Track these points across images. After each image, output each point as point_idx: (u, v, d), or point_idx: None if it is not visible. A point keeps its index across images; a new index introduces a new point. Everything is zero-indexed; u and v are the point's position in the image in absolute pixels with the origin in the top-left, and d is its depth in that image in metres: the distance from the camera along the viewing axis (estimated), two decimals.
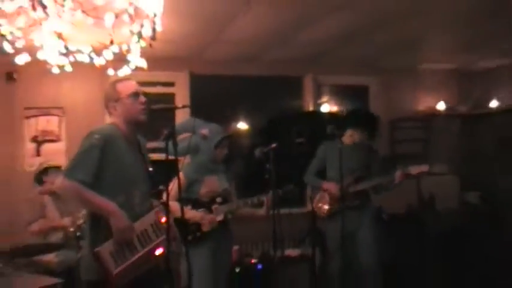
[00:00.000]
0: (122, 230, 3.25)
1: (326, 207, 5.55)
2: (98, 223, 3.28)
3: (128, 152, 3.45)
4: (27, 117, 6.51)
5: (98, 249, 3.18)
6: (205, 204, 4.70)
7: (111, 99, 3.48)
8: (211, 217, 4.66)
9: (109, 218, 3.23)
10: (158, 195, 3.64)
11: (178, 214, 3.64)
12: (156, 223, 3.52)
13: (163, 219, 3.51)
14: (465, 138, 7.97)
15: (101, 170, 3.29)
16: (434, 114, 7.91)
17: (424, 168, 5.13)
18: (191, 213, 4.58)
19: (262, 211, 4.81)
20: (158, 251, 3.47)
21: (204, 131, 4.74)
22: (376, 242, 5.46)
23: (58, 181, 3.28)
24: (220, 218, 4.70)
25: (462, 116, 8.03)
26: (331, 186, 5.46)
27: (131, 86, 3.50)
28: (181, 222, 4.08)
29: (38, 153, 6.49)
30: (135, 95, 3.47)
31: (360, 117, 5.57)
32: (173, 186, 3.64)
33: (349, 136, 5.51)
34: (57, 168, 5.40)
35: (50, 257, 4.98)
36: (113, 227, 3.23)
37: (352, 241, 5.40)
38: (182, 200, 3.52)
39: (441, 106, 7.86)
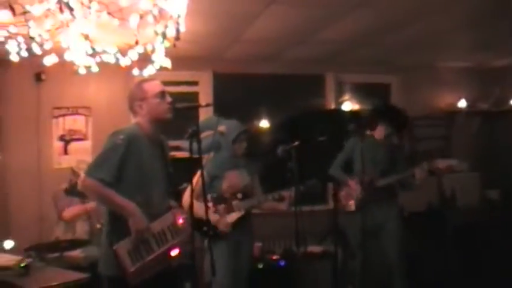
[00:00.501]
0: (140, 230, 3.32)
1: (352, 202, 5.57)
2: (116, 220, 3.36)
3: (149, 152, 3.51)
4: (55, 117, 6.65)
5: (116, 247, 3.27)
6: (227, 200, 4.75)
7: (137, 98, 3.53)
8: (224, 221, 4.71)
9: (128, 218, 3.31)
10: (177, 195, 3.72)
11: (199, 213, 3.71)
12: (173, 224, 3.58)
13: (181, 221, 3.59)
14: (486, 135, 7.93)
15: (122, 170, 3.35)
16: (455, 111, 7.88)
17: (452, 163, 5.14)
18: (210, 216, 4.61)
19: (283, 205, 4.84)
20: (174, 252, 3.53)
21: (222, 127, 4.78)
22: (402, 237, 5.45)
23: (80, 179, 3.36)
24: (239, 214, 4.75)
25: (483, 113, 7.99)
26: (355, 183, 5.51)
27: (157, 86, 3.55)
28: (202, 219, 4.16)
29: (66, 152, 6.63)
30: (162, 94, 3.52)
31: (391, 113, 5.58)
32: (197, 183, 3.71)
33: (379, 131, 5.52)
34: None
35: (76, 253, 5.10)
36: (132, 227, 3.31)
37: (377, 236, 5.42)
38: (206, 196, 3.57)
39: (462, 104, 7.83)
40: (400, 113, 5.58)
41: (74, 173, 5.59)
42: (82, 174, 3.41)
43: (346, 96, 7.53)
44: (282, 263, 6.19)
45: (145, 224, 3.36)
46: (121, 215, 3.33)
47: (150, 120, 3.54)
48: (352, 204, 5.53)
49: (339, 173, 5.72)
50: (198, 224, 4.39)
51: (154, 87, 3.55)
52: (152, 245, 3.42)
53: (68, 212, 5.54)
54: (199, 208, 3.69)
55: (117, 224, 3.35)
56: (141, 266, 3.33)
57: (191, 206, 3.38)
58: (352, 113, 7.21)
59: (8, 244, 5.63)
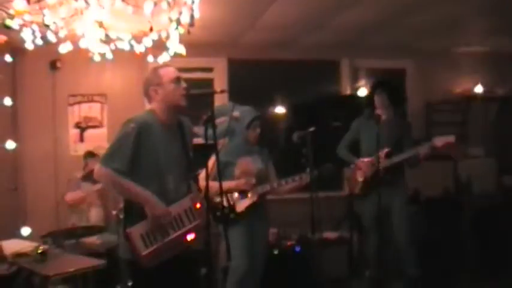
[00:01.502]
0: (158, 216, 3.34)
1: (359, 184, 5.56)
2: (131, 206, 3.40)
3: (163, 138, 3.50)
4: (71, 104, 6.68)
5: (129, 230, 3.30)
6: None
7: (152, 83, 3.53)
8: (240, 204, 4.72)
9: (144, 206, 3.33)
10: (195, 180, 3.72)
11: (215, 190, 3.72)
12: (191, 208, 3.58)
13: (198, 205, 3.58)
14: (503, 121, 7.86)
15: (136, 158, 3.36)
16: (472, 97, 7.81)
17: (450, 139, 5.04)
18: (227, 184, 4.59)
19: (303, 180, 4.78)
20: (190, 236, 3.52)
21: (236, 113, 4.77)
22: (409, 217, 5.46)
23: (95, 169, 3.38)
24: (253, 200, 4.74)
25: (500, 98, 7.92)
26: (363, 164, 5.50)
27: (173, 72, 3.55)
28: (216, 205, 4.17)
29: (81, 139, 6.67)
30: (177, 80, 3.52)
31: (379, 85, 5.59)
32: (212, 168, 3.71)
33: (379, 109, 5.49)
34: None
35: (93, 239, 5.14)
36: (149, 214, 3.32)
37: (387, 217, 5.42)
38: (221, 180, 3.57)
39: (478, 89, 7.76)
40: (393, 87, 5.57)
41: (93, 155, 5.65)
42: (97, 165, 3.41)
43: (362, 82, 7.49)
44: (298, 249, 6.20)
45: (163, 210, 3.37)
46: (137, 202, 3.36)
47: (165, 106, 3.53)
48: (359, 187, 5.52)
49: (345, 153, 5.74)
50: (213, 209, 4.43)
51: (170, 73, 3.54)
52: (167, 229, 3.43)
53: (68, 196, 5.68)
54: (214, 185, 3.69)
55: (132, 210, 3.39)
56: (155, 249, 3.34)
57: (206, 191, 3.39)
58: (367, 98, 7.17)
59: (25, 231, 5.69)
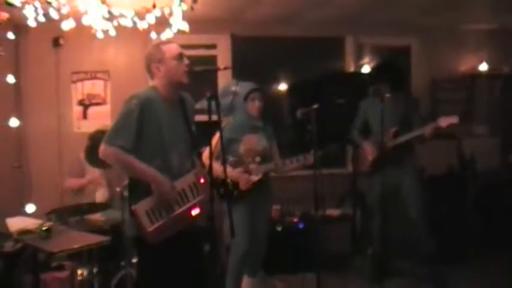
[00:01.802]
0: (165, 193, 3.37)
1: (367, 163, 5.60)
2: (136, 183, 3.42)
3: (166, 115, 3.50)
4: (74, 82, 6.66)
5: (134, 207, 3.32)
6: (245, 164, 4.76)
7: (154, 59, 3.52)
8: (247, 177, 4.73)
9: (150, 183, 3.35)
10: (199, 156, 3.73)
11: (219, 173, 3.72)
12: (195, 183, 3.60)
13: (202, 181, 3.60)
14: (507, 99, 7.82)
15: (140, 134, 3.37)
16: (476, 74, 7.77)
17: (454, 119, 5.03)
18: (228, 173, 4.62)
19: (308, 160, 4.80)
20: (194, 211, 3.55)
21: (235, 87, 4.76)
22: (421, 195, 5.48)
23: (100, 148, 3.38)
24: (258, 177, 4.75)
25: (505, 76, 7.87)
26: (369, 145, 5.55)
27: (175, 48, 3.53)
28: (220, 181, 4.18)
29: (85, 116, 6.66)
30: (180, 56, 3.51)
31: (383, 71, 5.59)
32: (216, 145, 3.72)
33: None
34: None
35: (97, 216, 5.16)
36: (155, 192, 3.35)
37: (396, 195, 5.47)
38: (225, 157, 3.57)
39: (483, 66, 7.71)
40: (391, 69, 5.56)
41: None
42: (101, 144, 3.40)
43: (366, 59, 7.45)
44: (301, 225, 6.22)
45: (169, 187, 3.40)
46: (143, 179, 3.37)
47: (167, 83, 3.53)
48: (368, 166, 5.57)
49: (356, 137, 5.81)
50: (217, 185, 4.44)
51: (173, 49, 3.53)
52: (172, 204, 3.45)
53: (68, 183, 5.72)
54: (218, 169, 3.69)
55: (137, 187, 3.40)
56: (160, 225, 3.37)
57: (210, 167, 3.39)
58: (370, 76, 7.15)
59: (30, 208, 5.72)
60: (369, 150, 5.56)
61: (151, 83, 3.61)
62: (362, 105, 5.76)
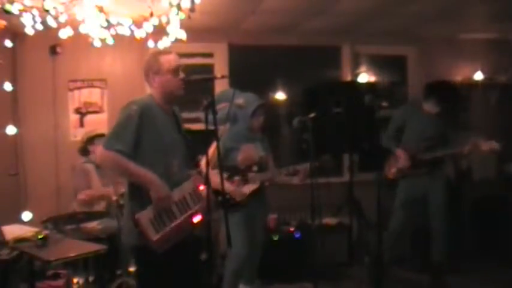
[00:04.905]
0: (161, 198, 3.36)
1: (394, 170, 5.66)
2: (137, 191, 3.41)
3: (164, 122, 3.54)
4: (71, 90, 6.66)
5: (138, 216, 3.31)
6: (242, 172, 4.77)
7: (151, 69, 3.54)
8: (241, 191, 4.73)
9: (148, 187, 3.34)
10: (196, 165, 3.74)
11: (215, 184, 3.73)
12: (195, 191, 3.63)
13: (202, 187, 3.61)
14: (503, 108, 7.83)
15: (140, 140, 3.38)
16: (472, 84, 7.79)
17: (494, 145, 5.20)
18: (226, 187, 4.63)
19: (296, 180, 4.88)
20: (196, 218, 3.57)
21: (240, 100, 4.78)
22: (445, 208, 5.59)
23: (98, 152, 3.38)
24: (254, 186, 4.76)
25: (501, 85, 7.89)
26: (402, 154, 5.61)
27: (173, 61, 3.55)
28: (217, 190, 4.19)
29: (82, 124, 6.65)
30: (176, 70, 3.53)
31: (444, 92, 5.68)
32: (213, 153, 3.72)
33: (430, 106, 5.58)
34: (103, 136, 5.48)
35: (93, 225, 5.14)
36: (152, 196, 3.34)
37: (419, 205, 5.63)
38: (222, 168, 3.59)
39: (479, 76, 7.74)
40: (451, 89, 5.66)
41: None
42: (99, 148, 3.41)
43: (363, 68, 7.47)
44: (298, 234, 6.21)
45: (166, 193, 3.40)
46: (141, 185, 3.37)
47: (162, 93, 3.56)
48: (393, 172, 5.62)
49: (388, 142, 5.83)
50: (214, 194, 4.45)
51: (170, 62, 3.54)
52: (174, 212, 3.47)
53: (83, 195, 5.47)
54: (214, 180, 3.70)
55: (138, 195, 3.40)
56: (165, 233, 3.37)
57: (207, 176, 3.40)
58: (369, 85, 7.17)
59: (26, 216, 5.70)
60: (402, 157, 5.59)
61: (150, 90, 3.63)
62: (399, 112, 5.82)
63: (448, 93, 5.65)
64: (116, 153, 3.30)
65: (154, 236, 3.32)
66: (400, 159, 5.62)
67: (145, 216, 3.32)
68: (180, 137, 3.66)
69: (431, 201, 5.60)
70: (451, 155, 5.52)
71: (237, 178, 4.72)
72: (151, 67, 3.55)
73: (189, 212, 3.55)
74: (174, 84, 3.53)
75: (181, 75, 3.55)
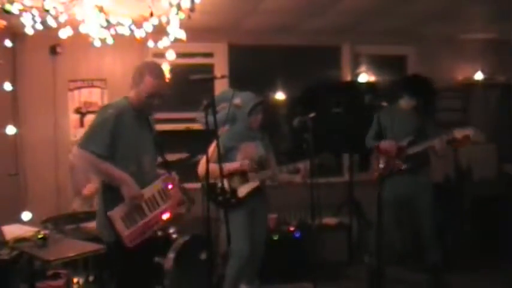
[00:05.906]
0: (133, 197, 3.53)
1: (380, 167, 5.59)
2: (109, 189, 3.56)
3: (137, 125, 3.68)
4: (71, 90, 6.66)
5: (110, 213, 3.48)
6: (242, 171, 4.77)
7: (134, 79, 3.66)
8: (241, 190, 4.73)
9: (121, 186, 3.50)
10: (167, 164, 3.90)
11: (217, 174, 3.76)
12: (164, 189, 3.81)
13: (170, 186, 3.81)
14: (504, 108, 7.83)
15: (114, 142, 3.52)
16: (472, 83, 7.79)
17: (468, 131, 5.05)
18: (229, 165, 4.65)
19: (298, 178, 4.87)
20: (165, 216, 3.79)
21: (237, 100, 4.77)
22: (432, 205, 5.50)
23: (73, 151, 3.49)
24: (255, 185, 4.77)
25: (501, 85, 7.89)
26: (387, 144, 5.46)
27: (155, 87, 3.60)
28: (218, 189, 4.21)
29: (82, 124, 6.64)
30: (153, 95, 3.61)
31: (416, 85, 5.58)
32: (212, 153, 3.74)
33: (405, 102, 5.53)
34: None
35: (93, 225, 5.13)
36: (125, 194, 3.51)
37: (408, 204, 5.52)
38: (221, 167, 3.61)
39: (479, 76, 7.74)
40: (424, 82, 5.59)
41: None
42: (74, 147, 3.54)
43: (363, 68, 7.47)
44: (298, 234, 6.20)
45: (138, 191, 3.56)
46: (113, 184, 3.52)
47: (136, 102, 3.67)
48: (380, 169, 5.55)
49: (371, 142, 5.68)
50: (215, 193, 4.46)
51: (152, 86, 3.60)
52: (144, 210, 3.65)
53: (89, 189, 5.56)
54: (215, 170, 3.72)
55: (110, 193, 3.55)
56: (135, 229, 3.56)
57: (206, 175, 3.43)
58: (369, 84, 7.16)
59: (26, 216, 5.70)
60: (388, 146, 5.44)
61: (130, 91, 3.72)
62: (377, 117, 5.74)
63: (421, 86, 5.57)
64: (91, 154, 3.45)
65: (125, 232, 3.51)
66: (387, 151, 5.48)
67: (117, 213, 3.50)
68: (151, 137, 3.81)
69: (418, 204, 5.49)
70: (430, 147, 5.37)
71: (237, 177, 4.72)
72: (135, 78, 3.66)
73: (158, 210, 3.74)
74: (144, 105, 3.66)
75: (156, 101, 3.64)
